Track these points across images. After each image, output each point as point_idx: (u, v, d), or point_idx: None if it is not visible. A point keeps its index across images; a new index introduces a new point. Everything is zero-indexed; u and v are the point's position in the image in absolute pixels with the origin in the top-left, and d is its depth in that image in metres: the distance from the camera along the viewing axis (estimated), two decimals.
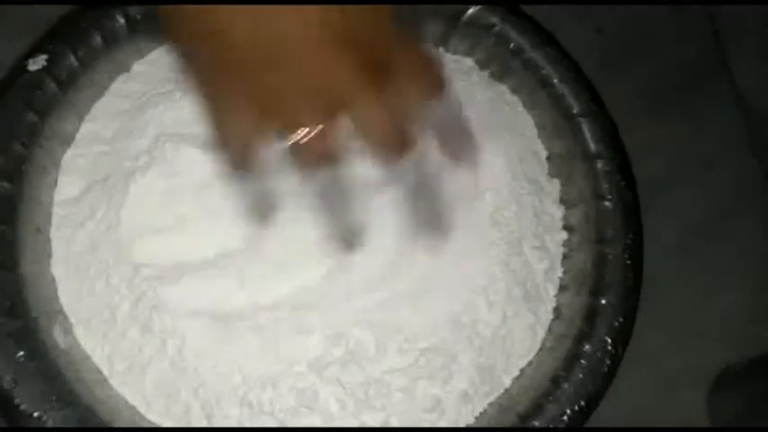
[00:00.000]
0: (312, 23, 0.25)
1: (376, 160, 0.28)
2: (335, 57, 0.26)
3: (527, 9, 0.36)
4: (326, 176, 0.28)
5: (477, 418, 0.31)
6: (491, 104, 0.35)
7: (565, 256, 0.34)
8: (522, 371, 0.32)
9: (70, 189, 0.33)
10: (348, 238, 0.30)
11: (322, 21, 0.26)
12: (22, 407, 0.28)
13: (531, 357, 0.32)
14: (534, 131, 0.36)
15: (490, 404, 0.31)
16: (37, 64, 0.32)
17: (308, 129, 0.27)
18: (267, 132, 0.28)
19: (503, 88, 0.36)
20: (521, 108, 0.36)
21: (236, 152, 0.29)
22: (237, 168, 0.29)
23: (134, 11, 0.34)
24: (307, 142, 0.27)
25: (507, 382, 0.32)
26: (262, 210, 0.30)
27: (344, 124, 0.27)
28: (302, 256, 0.30)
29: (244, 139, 0.28)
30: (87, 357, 0.30)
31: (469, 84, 0.35)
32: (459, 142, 0.30)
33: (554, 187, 0.35)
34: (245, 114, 0.27)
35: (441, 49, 0.36)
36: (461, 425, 0.31)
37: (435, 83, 0.29)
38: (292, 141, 0.27)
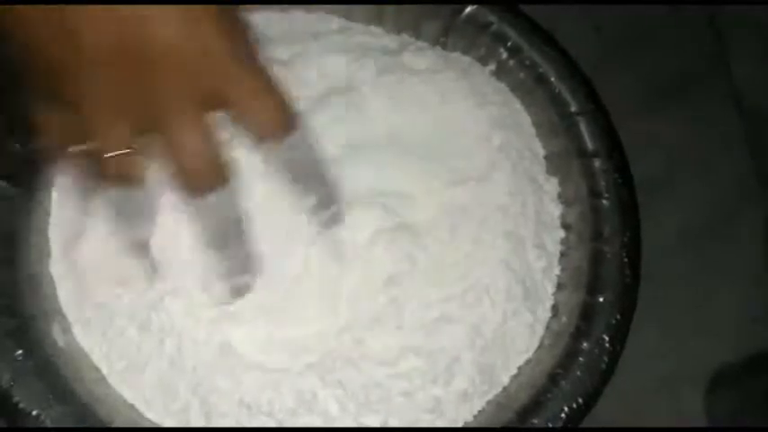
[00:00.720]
0: (141, 35, 0.24)
1: (179, 191, 0.27)
2: (158, 74, 0.25)
3: (526, 8, 0.36)
4: (120, 194, 0.27)
5: (475, 416, 0.31)
6: (492, 101, 0.35)
7: (562, 254, 0.34)
8: (520, 369, 0.32)
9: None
10: None
11: (148, 34, 0.24)
12: (21, 405, 0.28)
13: (529, 355, 0.32)
14: (532, 130, 0.36)
15: (488, 402, 0.31)
16: None
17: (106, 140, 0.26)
18: (80, 137, 0.26)
19: (501, 86, 0.36)
20: (518, 106, 0.36)
21: (52, 149, 0.28)
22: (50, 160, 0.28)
23: None
24: (108, 159, 0.26)
25: (506, 380, 0.32)
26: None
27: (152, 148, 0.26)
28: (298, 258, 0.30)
29: (58, 138, 0.27)
30: (86, 356, 0.30)
31: (470, 81, 0.35)
32: (312, 188, 0.28)
33: (552, 185, 0.35)
34: (62, 115, 0.26)
35: (438, 48, 0.36)
36: (460, 424, 0.31)
37: (275, 119, 0.27)
38: (91, 149, 0.26)
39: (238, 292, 0.29)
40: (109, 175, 0.27)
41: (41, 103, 0.27)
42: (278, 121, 0.27)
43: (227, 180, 0.27)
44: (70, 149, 0.27)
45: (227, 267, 0.28)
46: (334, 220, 0.30)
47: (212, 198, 0.26)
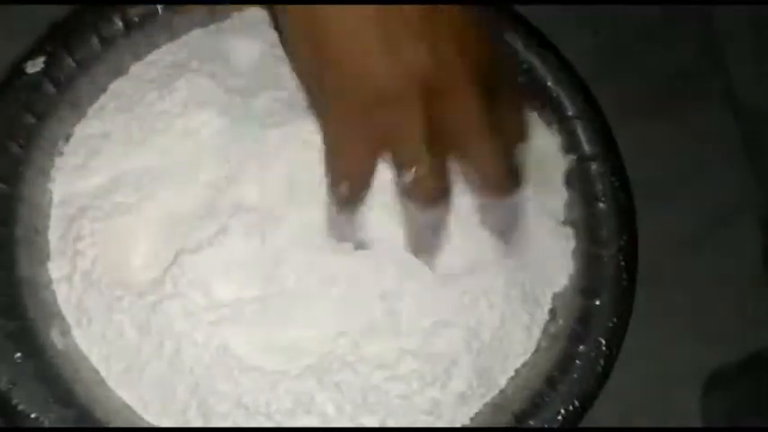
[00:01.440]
0: (445, 61, 0.26)
1: (484, 199, 0.30)
2: (459, 98, 0.27)
3: (522, 11, 0.36)
4: (434, 214, 0.29)
5: (472, 418, 0.31)
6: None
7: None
8: (517, 371, 0.32)
9: None
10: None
11: (453, 61, 0.26)
12: (20, 407, 0.29)
13: (526, 358, 0.32)
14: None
15: (486, 404, 0.31)
16: (35, 66, 0.32)
17: (420, 166, 0.28)
18: (380, 166, 0.28)
19: None
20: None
21: (351, 188, 0.29)
22: (346, 206, 0.30)
23: (131, 13, 0.34)
24: (421, 180, 0.28)
25: (503, 382, 0.32)
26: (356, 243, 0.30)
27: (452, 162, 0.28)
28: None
29: (360, 173, 0.29)
30: (85, 358, 0.31)
31: None
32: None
33: (549, 189, 0.35)
34: (364, 146, 0.28)
35: None
36: (457, 425, 0.31)
37: (500, 184, 0.29)
38: (408, 179, 0.28)
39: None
40: (426, 196, 0.29)
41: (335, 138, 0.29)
42: (511, 182, 0.30)
43: (522, 183, 0.30)
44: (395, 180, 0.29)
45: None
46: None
47: (516, 196, 0.30)
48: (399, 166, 0.28)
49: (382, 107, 0.27)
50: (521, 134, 0.30)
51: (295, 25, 0.27)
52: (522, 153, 0.30)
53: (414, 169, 0.27)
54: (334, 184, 0.29)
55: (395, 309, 0.30)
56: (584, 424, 0.31)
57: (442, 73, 0.26)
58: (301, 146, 0.31)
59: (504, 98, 0.28)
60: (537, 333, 0.32)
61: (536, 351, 0.32)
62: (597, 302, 0.32)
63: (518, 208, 0.31)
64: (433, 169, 0.28)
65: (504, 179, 0.29)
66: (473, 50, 0.27)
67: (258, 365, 0.30)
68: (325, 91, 0.28)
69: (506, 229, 0.31)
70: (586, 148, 0.34)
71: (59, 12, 0.34)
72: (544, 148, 0.34)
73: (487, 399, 0.31)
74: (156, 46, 0.35)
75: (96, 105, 0.34)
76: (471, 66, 0.27)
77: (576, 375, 0.31)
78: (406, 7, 0.26)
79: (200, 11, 0.34)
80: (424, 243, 0.30)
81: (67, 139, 0.33)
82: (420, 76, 0.26)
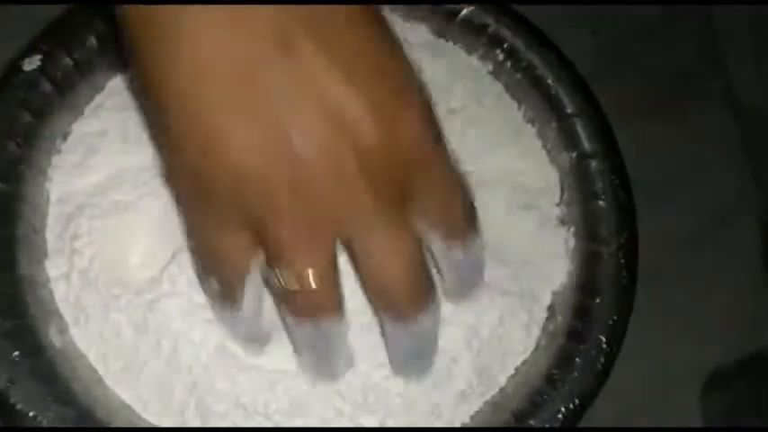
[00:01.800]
0: (335, 147, 0.20)
1: (379, 312, 0.23)
2: (352, 186, 0.21)
3: (522, 11, 0.36)
4: (317, 329, 0.23)
5: (472, 417, 0.31)
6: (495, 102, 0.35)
7: None
8: (517, 369, 0.32)
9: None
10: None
11: (347, 143, 0.20)
12: (18, 406, 0.28)
13: (526, 356, 0.32)
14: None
15: (485, 403, 0.31)
16: (32, 64, 0.32)
17: (303, 267, 0.22)
18: (257, 261, 0.23)
19: (500, 87, 0.36)
20: (514, 107, 0.36)
21: (222, 284, 0.24)
22: (223, 300, 0.25)
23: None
24: (301, 284, 0.22)
25: (502, 380, 0.32)
26: (257, 339, 0.26)
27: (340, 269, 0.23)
28: None
29: (231, 270, 0.23)
30: (83, 357, 0.30)
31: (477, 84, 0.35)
32: (468, 287, 0.26)
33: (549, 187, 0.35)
34: (234, 240, 0.22)
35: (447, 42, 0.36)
36: (457, 424, 0.31)
37: (466, 218, 0.23)
38: (285, 281, 0.22)
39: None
40: (306, 306, 0.23)
41: (204, 226, 0.23)
42: (473, 217, 0.24)
43: (434, 297, 0.23)
44: (270, 281, 0.23)
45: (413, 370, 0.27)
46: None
47: (421, 320, 0.23)
48: (270, 265, 0.22)
49: (252, 196, 0.21)
50: (450, 227, 0.23)
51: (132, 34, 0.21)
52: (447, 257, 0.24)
53: (284, 267, 0.21)
54: (203, 281, 0.25)
55: None
56: (583, 423, 0.31)
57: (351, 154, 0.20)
58: None
59: (432, 185, 0.22)
60: (536, 331, 0.32)
61: (535, 349, 0.32)
62: (597, 300, 0.32)
63: (430, 340, 0.25)
64: (310, 269, 0.22)
65: (407, 289, 0.22)
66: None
67: (256, 364, 0.30)
68: (196, 188, 0.22)
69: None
70: (586, 145, 0.34)
71: (57, 12, 0.34)
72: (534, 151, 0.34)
73: (487, 397, 0.31)
74: None
75: (93, 104, 0.34)
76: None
77: (576, 374, 0.31)
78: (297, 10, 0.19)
79: None
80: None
81: (65, 137, 0.33)
82: (300, 160, 0.20)
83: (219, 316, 0.27)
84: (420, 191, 0.22)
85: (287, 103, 0.20)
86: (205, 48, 0.20)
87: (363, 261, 0.22)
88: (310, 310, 0.23)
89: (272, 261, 0.22)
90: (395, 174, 0.21)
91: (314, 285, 0.22)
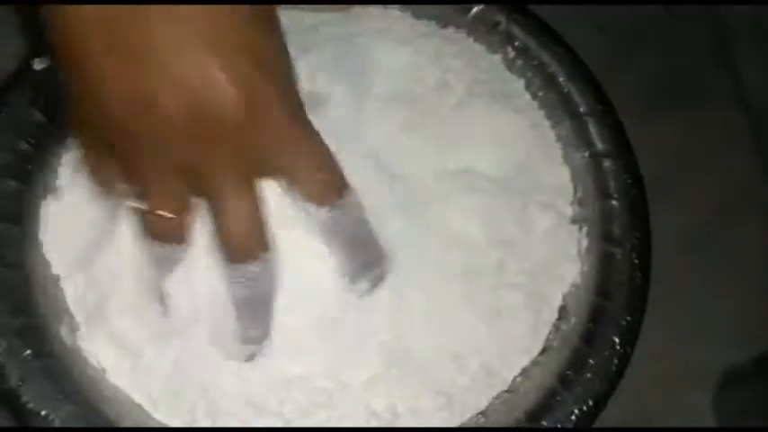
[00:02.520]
0: (190, 107, 0.23)
1: (220, 256, 0.27)
2: (203, 144, 0.24)
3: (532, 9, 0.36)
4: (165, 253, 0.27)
5: (485, 415, 0.31)
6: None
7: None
8: (529, 370, 0.32)
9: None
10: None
11: (202, 109, 0.23)
12: (30, 405, 0.28)
13: (534, 356, 0.32)
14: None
15: (498, 402, 0.31)
16: (42, 63, 0.32)
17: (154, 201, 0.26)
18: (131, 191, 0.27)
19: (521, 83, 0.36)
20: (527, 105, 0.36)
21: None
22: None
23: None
24: (152, 214, 0.26)
25: (508, 377, 0.31)
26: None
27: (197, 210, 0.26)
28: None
29: (103, 182, 0.28)
30: (94, 356, 0.30)
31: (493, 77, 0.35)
32: (358, 252, 0.28)
33: (561, 186, 0.34)
34: (107, 160, 0.27)
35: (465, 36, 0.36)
36: (467, 416, 0.31)
37: (329, 188, 0.27)
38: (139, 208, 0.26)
39: (250, 357, 0.29)
40: (155, 232, 0.27)
41: (88, 147, 0.28)
42: (332, 190, 0.27)
43: (268, 251, 0.27)
44: (127, 203, 0.27)
45: (245, 334, 0.28)
46: (377, 282, 0.29)
47: (251, 267, 0.27)
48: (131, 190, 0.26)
49: (116, 131, 0.25)
50: (312, 192, 0.26)
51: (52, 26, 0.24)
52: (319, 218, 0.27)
53: (141, 198, 0.26)
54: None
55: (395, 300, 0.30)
56: (596, 424, 0.31)
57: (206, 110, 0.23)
58: None
59: (292, 152, 0.25)
60: (544, 331, 0.32)
61: (548, 350, 0.32)
62: (610, 301, 0.32)
63: (266, 290, 0.27)
64: (162, 205, 0.26)
65: (241, 242, 0.26)
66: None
67: (264, 361, 0.29)
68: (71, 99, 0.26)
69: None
70: (598, 144, 0.34)
71: None
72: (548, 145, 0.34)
73: (494, 393, 0.31)
74: None
75: None
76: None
77: (589, 375, 0.31)
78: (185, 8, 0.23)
79: None
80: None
81: None
82: (159, 109, 0.23)
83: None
84: (277, 160, 0.26)
85: (159, 63, 0.23)
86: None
87: (215, 216, 0.26)
88: (161, 237, 0.27)
89: (131, 187, 0.26)
90: (248, 143, 0.25)
91: (162, 215, 0.26)
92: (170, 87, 0.23)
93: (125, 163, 0.26)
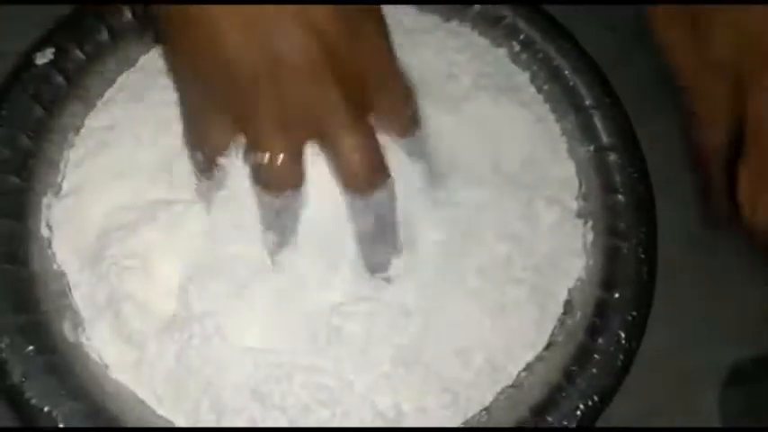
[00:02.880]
0: (311, 49, 0.25)
1: (346, 191, 0.28)
2: (325, 85, 0.26)
3: None
4: (284, 203, 0.28)
5: (489, 412, 0.31)
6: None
7: None
8: (531, 365, 0.32)
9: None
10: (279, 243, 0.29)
11: (321, 47, 0.25)
12: (33, 401, 0.28)
13: (538, 351, 0.32)
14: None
15: (503, 398, 0.31)
16: (44, 57, 0.32)
17: (275, 152, 0.27)
18: (237, 145, 0.28)
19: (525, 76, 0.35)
20: (533, 99, 0.35)
21: (204, 157, 0.29)
22: (203, 172, 0.29)
23: (140, 6, 0.33)
24: (272, 165, 0.27)
25: (513, 372, 0.31)
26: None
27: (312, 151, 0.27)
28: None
29: (213, 147, 0.28)
30: (97, 352, 0.30)
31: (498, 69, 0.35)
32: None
33: (567, 180, 0.34)
34: (220, 123, 0.27)
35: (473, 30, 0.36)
36: (471, 413, 0.30)
37: (413, 118, 0.29)
38: (259, 162, 0.27)
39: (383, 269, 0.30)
40: (273, 182, 0.28)
41: (193, 110, 0.29)
42: (418, 118, 0.29)
43: (389, 177, 0.28)
44: (243, 161, 0.28)
45: (372, 262, 0.29)
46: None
47: (378, 194, 0.28)
48: (248, 148, 0.27)
49: (240, 88, 0.26)
50: (403, 124, 0.29)
51: (172, 24, 0.27)
52: (406, 145, 0.29)
53: (260, 152, 0.27)
54: (190, 151, 0.30)
55: (400, 296, 0.30)
56: (600, 423, 0.30)
57: (322, 58, 0.26)
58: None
59: (387, 90, 0.28)
60: (549, 326, 0.32)
61: (553, 345, 0.32)
62: (616, 296, 0.32)
63: (390, 215, 0.29)
64: (281, 154, 0.27)
65: (368, 173, 0.28)
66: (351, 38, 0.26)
67: (269, 354, 0.29)
68: (194, 77, 0.28)
69: (376, 241, 0.29)
70: (604, 138, 0.34)
71: (68, 8, 0.34)
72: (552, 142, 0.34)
73: (498, 388, 0.31)
74: None
75: (105, 97, 0.34)
76: (350, 50, 0.26)
77: (594, 370, 0.30)
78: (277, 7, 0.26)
79: None
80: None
81: (77, 131, 0.33)
82: (282, 59, 0.25)
83: (202, 193, 0.30)
84: (377, 95, 0.27)
85: (273, 14, 0.25)
86: None
87: (333, 155, 0.27)
88: (277, 185, 0.28)
89: (250, 144, 0.27)
90: (359, 78, 0.27)
91: (281, 165, 0.27)
92: (287, 25, 0.25)
93: (243, 112, 0.27)
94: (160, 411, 0.30)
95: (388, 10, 0.35)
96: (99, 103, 0.34)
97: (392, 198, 0.28)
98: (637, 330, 0.31)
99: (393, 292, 0.30)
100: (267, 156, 0.27)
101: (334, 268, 0.30)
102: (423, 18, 0.35)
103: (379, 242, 0.29)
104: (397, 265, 0.30)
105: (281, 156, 0.27)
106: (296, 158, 0.27)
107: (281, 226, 0.29)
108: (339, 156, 0.27)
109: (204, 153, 0.29)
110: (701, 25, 0.31)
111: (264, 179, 0.28)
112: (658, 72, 0.40)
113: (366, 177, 0.27)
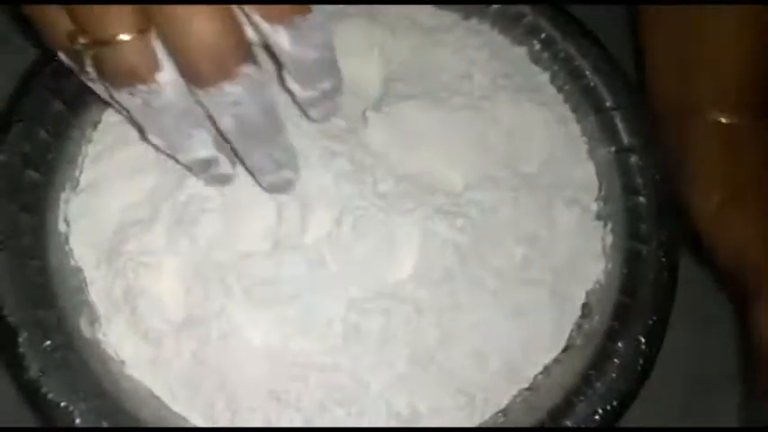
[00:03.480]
0: None
1: (190, 84, 0.23)
2: None
3: None
4: (133, 96, 0.23)
5: (505, 415, 0.31)
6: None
7: None
8: (549, 368, 0.31)
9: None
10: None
11: None
12: (50, 396, 0.28)
13: (556, 354, 0.31)
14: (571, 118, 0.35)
15: (519, 400, 0.31)
16: None
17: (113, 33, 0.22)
18: (83, 39, 0.23)
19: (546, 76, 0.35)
20: (553, 99, 0.35)
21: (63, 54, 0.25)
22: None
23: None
24: (115, 50, 0.22)
25: (530, 375, 0.31)
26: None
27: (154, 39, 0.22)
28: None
29: (53, 36, 0.24)
30: (113, 348, 0.30)
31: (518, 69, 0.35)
32: (323, 77, 0.24)
33: (588, 181, 0.34)
34: (60, 18, 0.23)
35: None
36: (488, 415, 0.30)
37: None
38: (93, 53, 0.23)
39: (281, 188, 0.26)
40: (121, 68, 0.23)
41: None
42: (295, 6, 0.22)
43: (246, 64, 0.22)
44: (75, 47, 0.23)
45: (260, 165, 0.25)
46: (332, 113, 0.26)
47: (228, 88, 0.22)
48: (85, 38, 0.23)
49: None
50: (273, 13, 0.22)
51: None
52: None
53: (97, 37, 0.22)
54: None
55: (417, 297, 0.30)
56: (619, 424, 0.30)
57: None
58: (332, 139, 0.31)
59: None
60: (567, 329, 0.32)
61: (571, 348, 0.32)
62: (636, 299, 0.31)
63: (255, 114, 0.23)
64: (120, 35, 0.22)
65: (211, 61, 0.22)
66: None
67: (284, 352, 0.29)
68: None
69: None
70: (625, 139, 0.33)
71: None
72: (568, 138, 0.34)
73: (514, 392, 0.31)
74: None
75: None
76: None
77: (613, 374, 0.30)
78: None
79: None
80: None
81: (95, 126, 0.33)
82: None
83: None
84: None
85: None
86: None
87: (166, 26, 0.22)
88: (124, 76, 0.23)
89: (82, 33, 0.23)
90: None
91: (125, 47, 0.22)
92: None
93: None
94: (175, 408, 0.30)
95: (406, 8, 0.35)
96: None
97: (255, 92, 0.23)
98: (657, 335, 0.31)
99: (410, 291, 0.30)
100: (101, 31, 0.22)
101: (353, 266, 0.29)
102: (441, 16, 0.35)
103: (254, 145, 0.24)
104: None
105: (121, 36, 0.22)
106: (141, 39, 0.22)
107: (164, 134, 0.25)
108: (171, 28, 0.22)
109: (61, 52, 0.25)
110: None
111: (110, 69, 0.23)
112: None
113: (206, 57, 0.22)
